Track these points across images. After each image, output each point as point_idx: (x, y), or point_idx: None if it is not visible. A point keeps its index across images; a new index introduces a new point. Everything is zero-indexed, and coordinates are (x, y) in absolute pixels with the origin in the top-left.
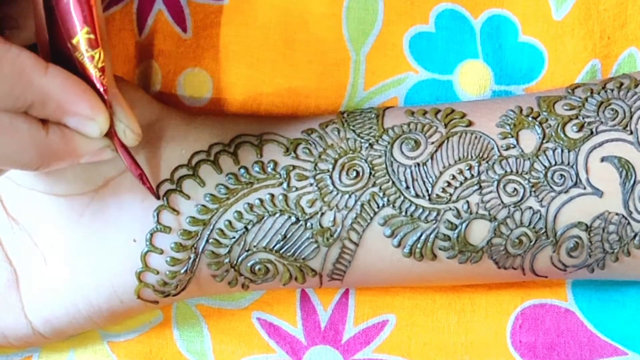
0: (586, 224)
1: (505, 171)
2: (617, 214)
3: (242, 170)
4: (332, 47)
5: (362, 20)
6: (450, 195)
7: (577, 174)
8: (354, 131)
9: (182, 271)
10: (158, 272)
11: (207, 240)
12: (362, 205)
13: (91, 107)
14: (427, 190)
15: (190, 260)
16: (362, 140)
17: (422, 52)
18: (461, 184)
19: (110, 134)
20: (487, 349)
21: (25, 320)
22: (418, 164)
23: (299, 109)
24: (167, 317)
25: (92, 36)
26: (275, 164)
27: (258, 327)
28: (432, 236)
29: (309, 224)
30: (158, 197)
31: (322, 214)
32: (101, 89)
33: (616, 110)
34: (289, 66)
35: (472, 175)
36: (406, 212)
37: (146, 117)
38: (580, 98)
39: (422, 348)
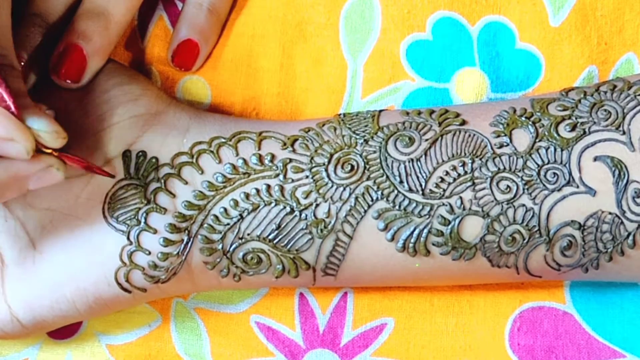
0: (579, 223)
1: (499, 168)
2: (610, 213)
3: (240, 161)
4: (330, 56)
5: (359, 29)
6: (444, 190)
7: (570, 173)
8: (349, 129)
9: (175, 252)
10: (150, 253)
11: (201, 225)
12: (356, 198)
13: (5, 128)
14: (421, 185)
15: (183, 243)
16: (358, 137)
17: (419, 61)
18: (454, 180)
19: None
20: (486, 351)
21: (4, 305)
22: (412, 160)
23: (297, 117)
24: (165, 320)
25: None
26: (273, 156)
27: (257, 330)
28: (425, 231)
29: (303, 215)
30: (112, 176)
31: (317, 205)
32: (9, 102)
33: (609, 111)
34: (287, 75)
35: (466, 172)
36: (400, 206)
37: (153, 107)
38: (573, 100)
39: (420, 351)
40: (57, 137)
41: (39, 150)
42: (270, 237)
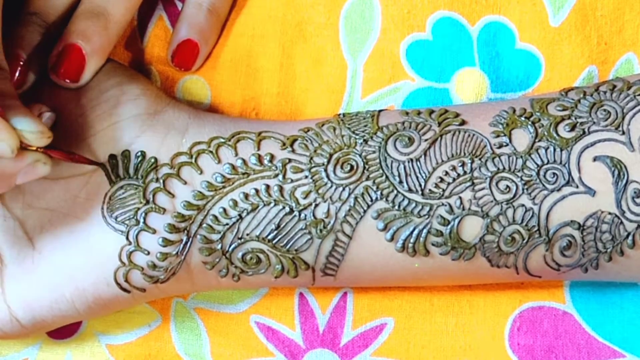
0: (579, 223)
1: (498, 168)
2: (609, 213)
3: (240, 161)
4: (330, 55)
5: (359, 29)
6: (443, 190)
7: (569, 173)
8: (349, 129)
9: (174, 253)
10: (149, 253)
11: (200, 225)
12: (355, 198)
13: None
14: (420, 185)
15: (182, 243)
16: (357, 137)
17: (419, 61)
18: (454, 180)
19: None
20: (485, 351)
21: (4, 305)
22: (411, 160)
23: (296, 117)
24: (165, 320)
25: None
26: (272, 156)
27: (256, 330)
28: (424, 231)
29: (302, 215)
30: (99, 164)
31: (316, 205)
32: None
33: (608, 111)
34: (287, 75)
35: (465, 172)
36: (399, 206)
37: (152, 107)
38: (573, 100)
39: (420, 351)
40: (41, 137)
41: (23, 147)
42: (269, 237)
